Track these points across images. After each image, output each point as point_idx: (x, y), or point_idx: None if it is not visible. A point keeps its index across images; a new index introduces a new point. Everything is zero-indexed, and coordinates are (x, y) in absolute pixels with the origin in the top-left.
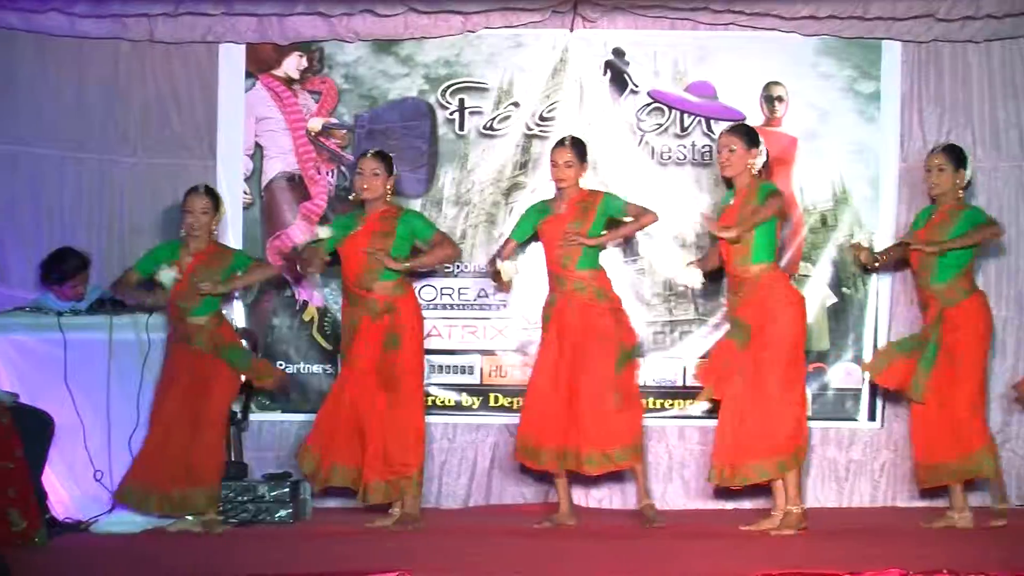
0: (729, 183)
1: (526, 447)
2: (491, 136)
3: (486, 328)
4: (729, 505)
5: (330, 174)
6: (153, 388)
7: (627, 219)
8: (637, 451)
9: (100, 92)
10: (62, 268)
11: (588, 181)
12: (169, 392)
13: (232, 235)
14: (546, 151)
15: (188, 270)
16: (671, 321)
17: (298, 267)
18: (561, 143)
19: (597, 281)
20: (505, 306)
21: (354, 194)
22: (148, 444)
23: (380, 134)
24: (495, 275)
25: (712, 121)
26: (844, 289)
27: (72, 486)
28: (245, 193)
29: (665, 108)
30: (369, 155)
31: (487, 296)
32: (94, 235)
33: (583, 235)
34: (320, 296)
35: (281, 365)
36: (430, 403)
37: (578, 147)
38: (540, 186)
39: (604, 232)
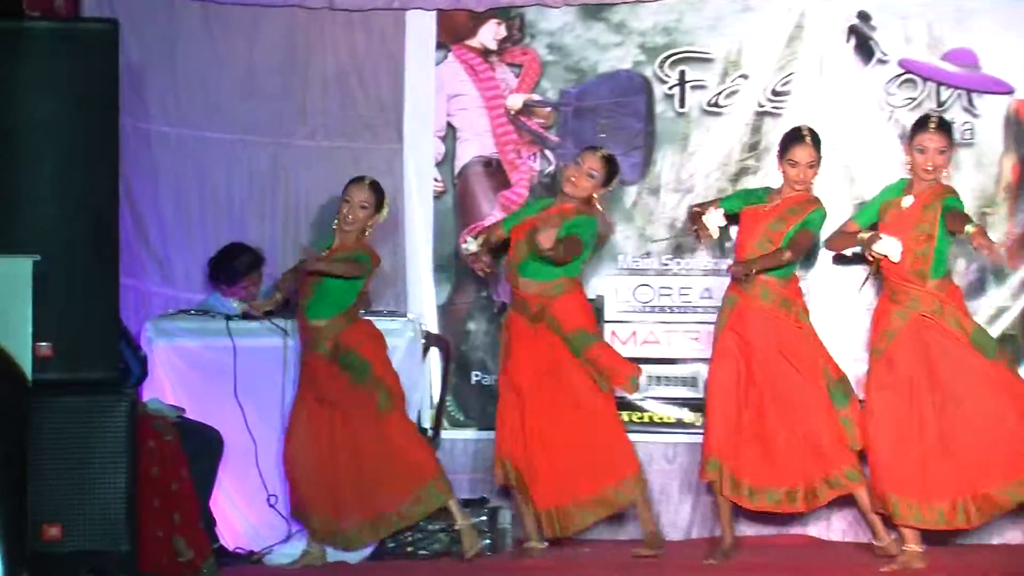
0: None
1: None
2: (716, 114)
3: (708, 334)
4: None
5: (532, 158)
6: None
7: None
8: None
9: (274, 66)
10: (233, 267)
11: (827, 165)
12: (302, 410)
13: (421, 228)
14: (780, 131)
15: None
16: None
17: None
18: (800, 137)
19: (786, 289)
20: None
21: (570, 187)
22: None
23: (589, 112)
24: (695, 222)
25: (974, 95)
26: None
27: (243, 512)
28: (436, 180)
29: (918, 80)
30: (596, 154)
31: (712, 297)
32: (267, 229)
33: (775, 241)
34: None
35: (476, 376)
36: (647, 420)
37: (818, 143)
38: (774, 170)
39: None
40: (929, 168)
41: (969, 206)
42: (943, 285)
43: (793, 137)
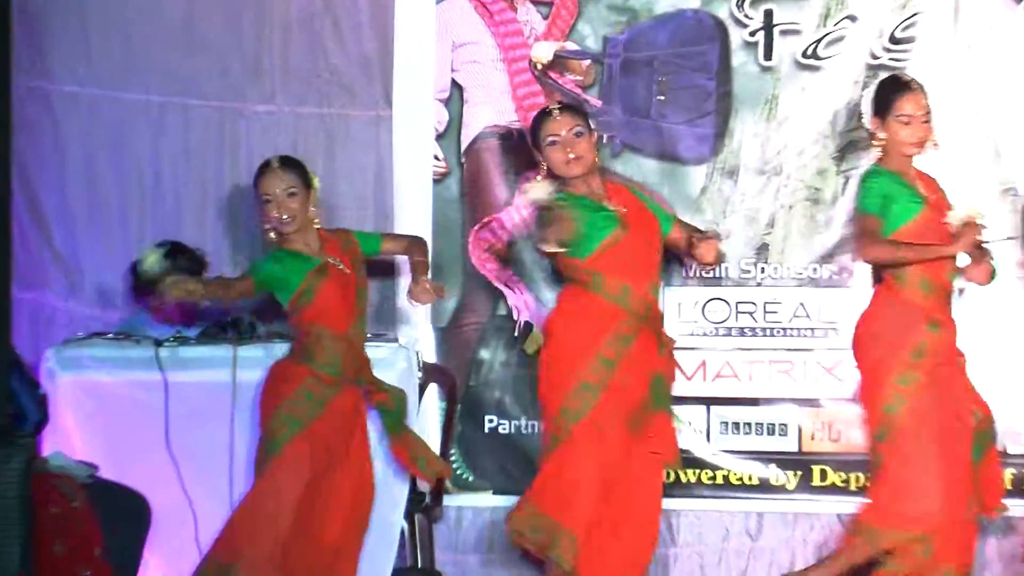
0: None
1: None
2: (814, 68)
3: (807, 364)
4: None
5: None
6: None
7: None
8: None
9: (220, 11)
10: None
11: (967, 137)
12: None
13: (416, 222)
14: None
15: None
16: None
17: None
18: (906, 85)
19: None
20: (836, 330)
21: (575, 165)
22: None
23: (642, 67)
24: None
25: None
26: None
27: None
28: (436, 159)
29: None
30: (560, 114)
31: (808, 315)
32: (210, 222)
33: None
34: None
35: (491, 422)
36: (720, 480)
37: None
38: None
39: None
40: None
41: None
42: None
43: (896, 87)
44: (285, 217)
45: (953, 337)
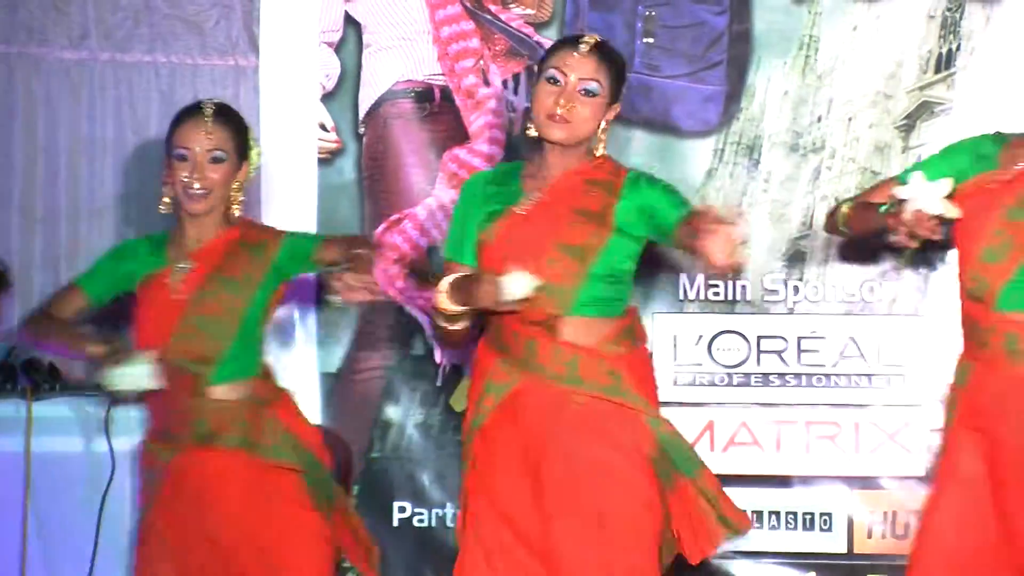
0: None
1: None
2: None
3: (861, 427)
4: None
5: (510, 84)
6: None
7: None
8: None
9: None
10: None
11: None
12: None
13: (293, 217)
14: (996, 28)
15: (192, 285)
16: None
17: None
18: None
19: None
20: (902, 376)
21: (559, 127)
22: None
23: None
24: (895, 218)
25: None
26: None
27: None
28: (323, 129)
29: None
30: (584, 48)
31: (861, 355)
32: (8, 219)
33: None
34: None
35: (403, 510)
36: None
37: None
38: (983, 108)
39: None
40: None
41: None
42: None
43: None
44: (197, 187)
45: None
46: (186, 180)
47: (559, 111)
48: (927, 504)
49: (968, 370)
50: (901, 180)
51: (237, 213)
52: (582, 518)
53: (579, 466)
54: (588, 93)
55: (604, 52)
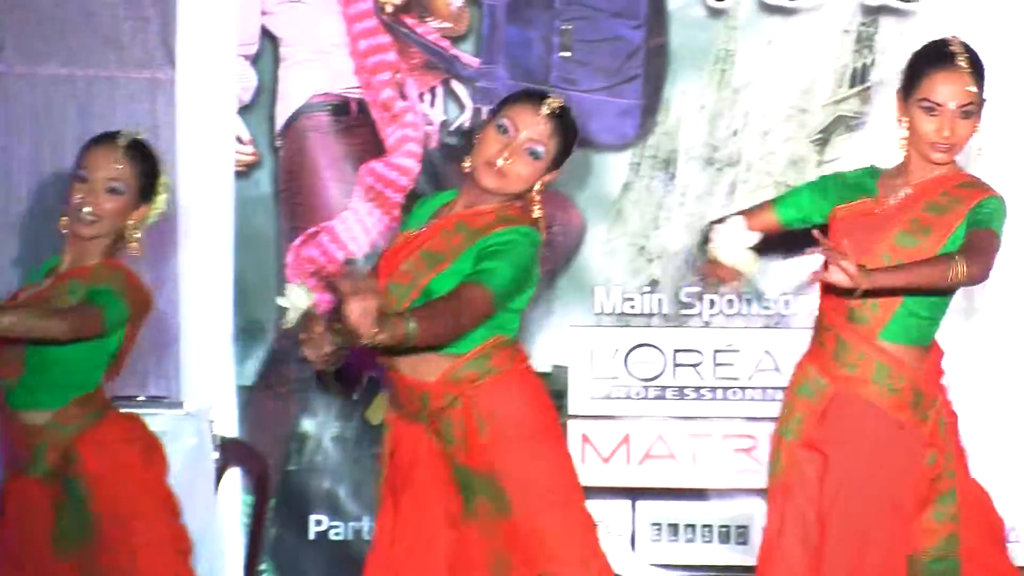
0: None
1: None
2: (786, 11)
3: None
4: None
5: (427, 97)
6: None
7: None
8: None
9: None
10: None
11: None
12: None
13: (210, 235)
14: (910, 43)
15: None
16: None
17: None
18: (947, 56)
19: (909, 362)
20: None
21: (492, 178)
22: None
23: (539, 10)
24: (711, 267)
25: None
26: None
27: None
28: (240, 141)
29: None
30: (541, 109)
31: (777, 369)
32: None
33: (877, 267)
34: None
35: (319, 523)
36: None
37: (980, 71)
38: (889, 118)
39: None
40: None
41: None
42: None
43: (933, 57)
44: (87, 211)
45: None
46: (78, 202)
47: (500, 162)
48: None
49: (821, 386)
50: (776, 206)
51: (133, 243)
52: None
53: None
54: (533, 155)
55: (562, 120)
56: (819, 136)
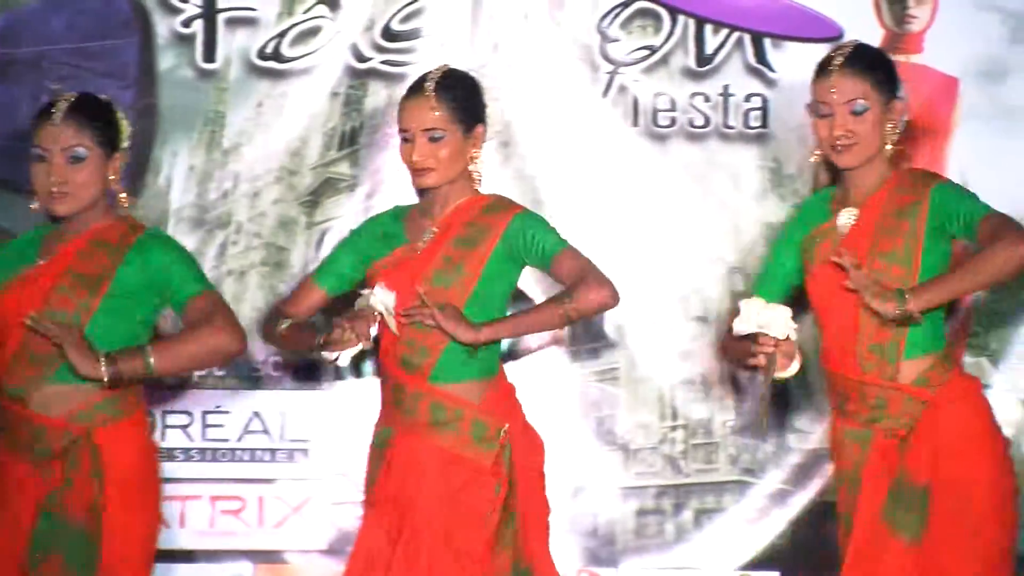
0: (835, 177)
1: None
2: (277, 73)
3: (264, 500)
4: None
5: None
6: None
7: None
8: None
9: None
10: None
11: (493, 174)
12: None
13: None
14: (394, 105)
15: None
16: (674, 487)
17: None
18: (419, 87)
19: (483, 403)
20: (306, 452)
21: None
22: None
23: (26, 68)
24: (334, 336)
25: (769, 41)
26: None
27: None
28: None
29: (663, 11)
30: (430, 83)
31: (266, 431)
32: None
33: (452, 304)
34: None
35: None
36: None
37: (455, 93)
38: (386, 183)
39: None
40: (843, 143)
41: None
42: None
43: (410, 88)
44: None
45: None
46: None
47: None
48: None
49: (388, 434)
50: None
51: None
52: None
53: None
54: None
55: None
56: (308, 198)
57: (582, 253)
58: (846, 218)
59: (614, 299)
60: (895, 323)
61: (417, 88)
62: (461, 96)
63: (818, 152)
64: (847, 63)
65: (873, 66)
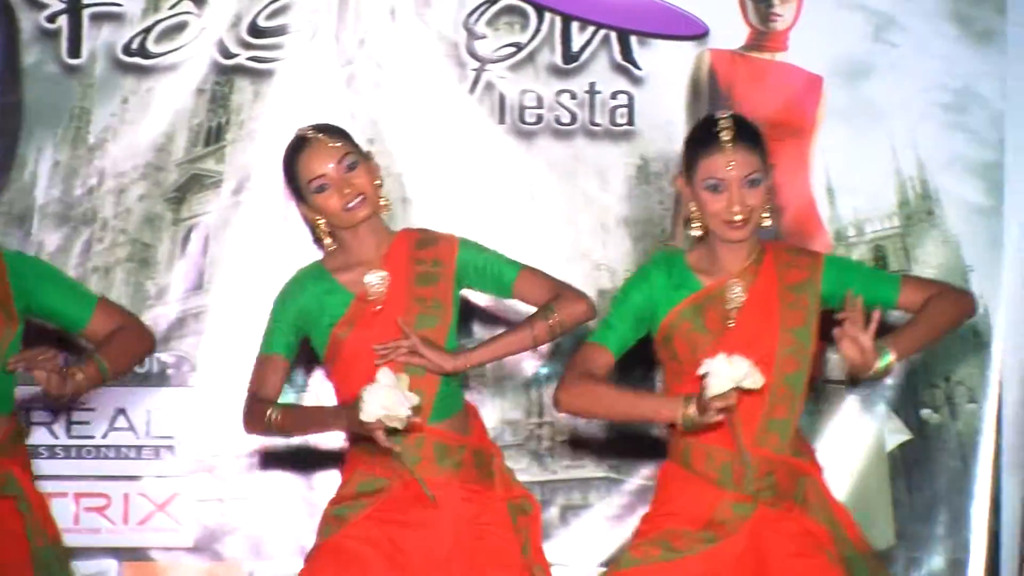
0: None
1: None
2: (142, 69)
3: (130, 498)
4: None
5: None
6: None
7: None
8: None
9: None
10: None
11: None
12: None
13: None
14: (265, 103)
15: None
16: (540, 483)
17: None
18: (715, 137)
19: (474, 433)
20: (172, 448)
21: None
22: None
23: None
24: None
25: (635, 39)
26: (924, 411)
27: None
28: None
29: (530, 8)
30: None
31: (131, 425)
32: None
33: (427, 338)
34: None
35: None
36: None
37: (342, 132)
38: (252, 180)
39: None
40: (737, 218)
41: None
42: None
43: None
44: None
45: None
46: (338, 202)
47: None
48: None
49: (383, 483)
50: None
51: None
52: None
53: None
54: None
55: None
56: (175, 195)
57: (539, 269)
58: (735, 292)
59: (593, 310)
60: (874, 378)
61: (313, 140)
62: (347, 135)
63: (698, 225)
64: (738, 137)
65: (756, 138)
